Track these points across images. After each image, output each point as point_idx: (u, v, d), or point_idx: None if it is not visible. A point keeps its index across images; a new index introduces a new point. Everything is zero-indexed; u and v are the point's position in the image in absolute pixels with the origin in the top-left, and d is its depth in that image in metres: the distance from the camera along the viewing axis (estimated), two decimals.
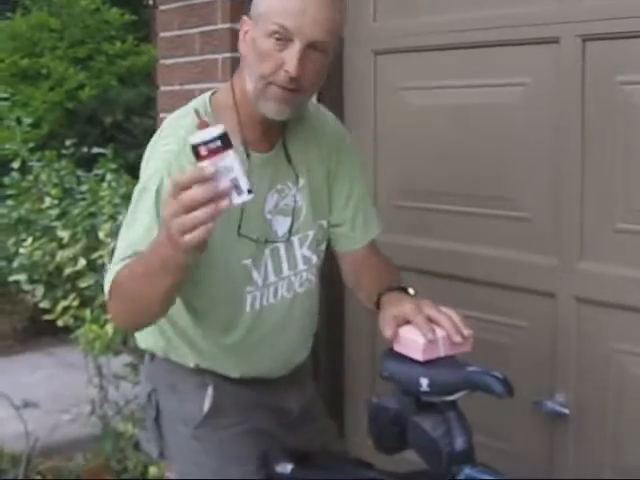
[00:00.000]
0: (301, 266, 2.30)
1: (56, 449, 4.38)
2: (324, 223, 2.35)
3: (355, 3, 3.21)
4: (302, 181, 2.27)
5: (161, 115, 3.75)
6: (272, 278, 2.24)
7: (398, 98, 3.11)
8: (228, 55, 3.31)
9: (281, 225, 2.24)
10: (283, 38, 2.02)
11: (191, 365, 2.27)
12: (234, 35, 3.29)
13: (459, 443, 1.99)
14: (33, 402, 4.68)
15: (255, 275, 2.21)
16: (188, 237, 1.64)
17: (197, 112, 1.86)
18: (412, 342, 2.01)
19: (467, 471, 1.99)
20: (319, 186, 2.33)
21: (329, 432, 2.54)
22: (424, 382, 1.98)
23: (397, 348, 2.05)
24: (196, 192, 1.62)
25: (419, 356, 1.98)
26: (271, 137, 2.21)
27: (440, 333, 2.00)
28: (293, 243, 2.27)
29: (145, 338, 2.35)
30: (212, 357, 2.27)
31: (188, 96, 3.50)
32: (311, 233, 2.31)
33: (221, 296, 2.19)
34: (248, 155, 2.14)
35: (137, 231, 2.02)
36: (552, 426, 2.69)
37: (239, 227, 2.14)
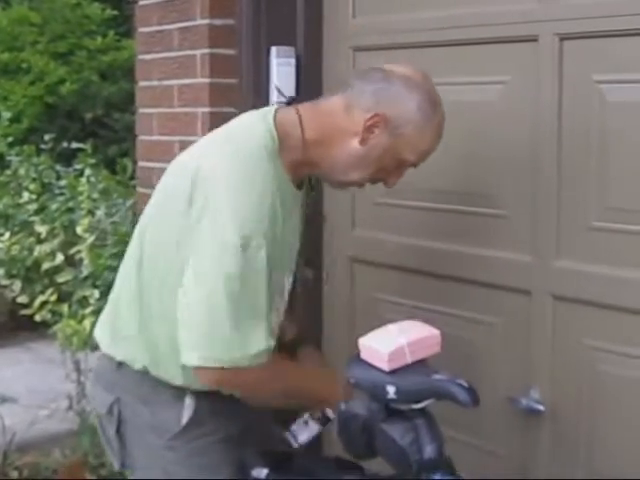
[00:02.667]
0: (285, 296, 2.37)
1: (33, 444, 4.37)
2: None
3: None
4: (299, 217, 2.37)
5: (140, 110, 3.74)
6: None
7: None
8: (207, 51, 3.30)
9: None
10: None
11: (177, 383, 2.25)
12: (213, 31, 3.29)
13: (428, 451, 1.98)
14: (11, 397, 4.67)
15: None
16: None
17: None
18: (376, 352, 2.00)
19: (436, 478, 1.99)
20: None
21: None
22: (391, 390, 1.98)
23: (363, 356, 2.04)
24: None
25: (385, 366, 1.97)
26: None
27: (404, 340, 1.99)
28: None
29: (127, 350, 2.32)
30: None
31: (166, 92, 3.52)
32: (294, 265, 2.39)
33: None
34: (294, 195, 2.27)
35: (262, 299, 2.11)
36: (527, 423, 2.69)
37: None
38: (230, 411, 2.31)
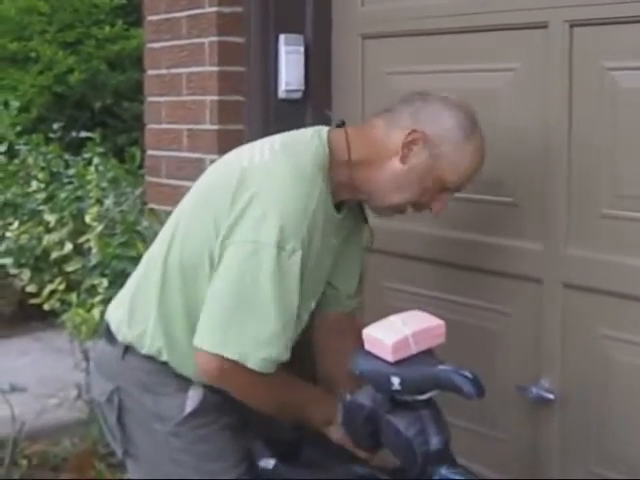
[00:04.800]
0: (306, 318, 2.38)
1: (43, 433, 4.38)
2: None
3: None
4: (336, 241, 2.36)
5: (148, 99, 3.73)
6: None
7: (386, 83, 3.10)
8: (215, 39, 3.28)
9: None
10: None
11: (185, 373, 2.26)
12: (221, 19, 3.27)
13: (434, 442, 1.98)
14: (20, 386, 4.67)
15: None
16: None
17: None
18: (380, 343, 1.99)
19: (443, 472, 1.97)
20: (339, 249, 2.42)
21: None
22: (395, 381, 1.96)
23: (367, 347, 2.03)
24: None
25: (389, 357, 1.95)
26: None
27: (409, 330, 1.97)
28: None
29: (141, 330, 2.30)
30: None
31: (175, 80, 3.51)
32: (321, 290, 2.42)
33: None
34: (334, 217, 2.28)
35: (293, 301, 2.12)
36: (537, 412, 2.69)
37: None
38: (234, 401, 2.30)
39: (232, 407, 2.31)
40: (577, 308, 2.59)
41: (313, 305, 2.37)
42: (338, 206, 2.30)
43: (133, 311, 2.35)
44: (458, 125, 2.25)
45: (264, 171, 2.18)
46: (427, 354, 2.00)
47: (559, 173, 2.59)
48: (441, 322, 2.04)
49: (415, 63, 3.01)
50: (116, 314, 2.42)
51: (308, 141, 2.27)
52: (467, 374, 1.90)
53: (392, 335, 1.97)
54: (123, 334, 2.35)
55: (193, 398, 2.28)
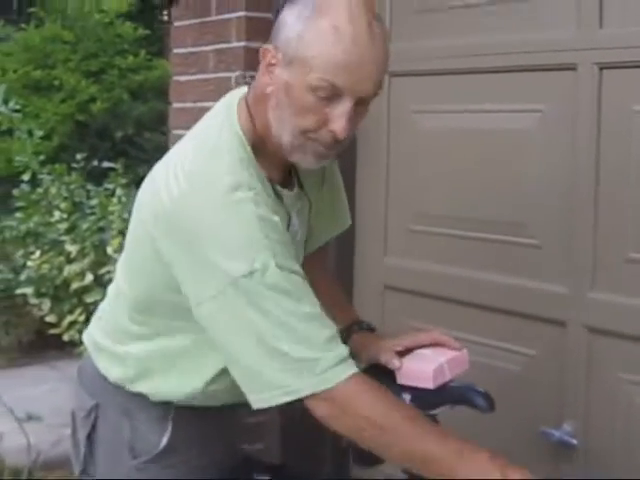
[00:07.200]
0: None
1: (58, 463, 4.35)
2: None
3: None
4: (300, 204, 2.12)
5: (173, 132, 3.74)
6: None
7: (412, 121, 3.10)
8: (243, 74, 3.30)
9: None
10: (330, 94, 1.80)
11: (160, 399, 2.09)
12: (248, 53, 3.28)
13: None
14: (36, 415, 4.67)
15: None
16: None
17: None
18: (420, 372, 2.02)
19: None
20: (314, 201, 2.18)
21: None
22: (406, 397, 2.02)
23: (400, 380, 2.05)
24: None
25: (430, 384, 1.99)
26: (287, 167, 2.04)
27: (443, 358, 2.03)
28: None
29: (111, 372, 2.15)
30: (195, 394, 2.08)
31: (201, 113, 3.50)
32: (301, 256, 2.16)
33: None
34: (280, 197, 1.98)
35: (298, 306, 1.78)
36: (559, 456, 2.66)
37: None
38: (214, 440, 2.19)
39: (204, 447, 2.17)
40: (601, 352, 2.56)
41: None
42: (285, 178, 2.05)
43: (97, 343, 2.21)
44: (297, 18, 1.81)
45: (186, 208, 1.83)
46: None
47: (585, 215, 2.57)
48: (464, 349, 2.11)
49: (442, 102, 3.01)
50: (91, 342, 2.25)
51: (220, 139, 1.92)
52: (479, 389, 1.97)
53: (429, 364, 2.02)
54: (105, 369, 2.18)
55: (169, 432, 2.10)
